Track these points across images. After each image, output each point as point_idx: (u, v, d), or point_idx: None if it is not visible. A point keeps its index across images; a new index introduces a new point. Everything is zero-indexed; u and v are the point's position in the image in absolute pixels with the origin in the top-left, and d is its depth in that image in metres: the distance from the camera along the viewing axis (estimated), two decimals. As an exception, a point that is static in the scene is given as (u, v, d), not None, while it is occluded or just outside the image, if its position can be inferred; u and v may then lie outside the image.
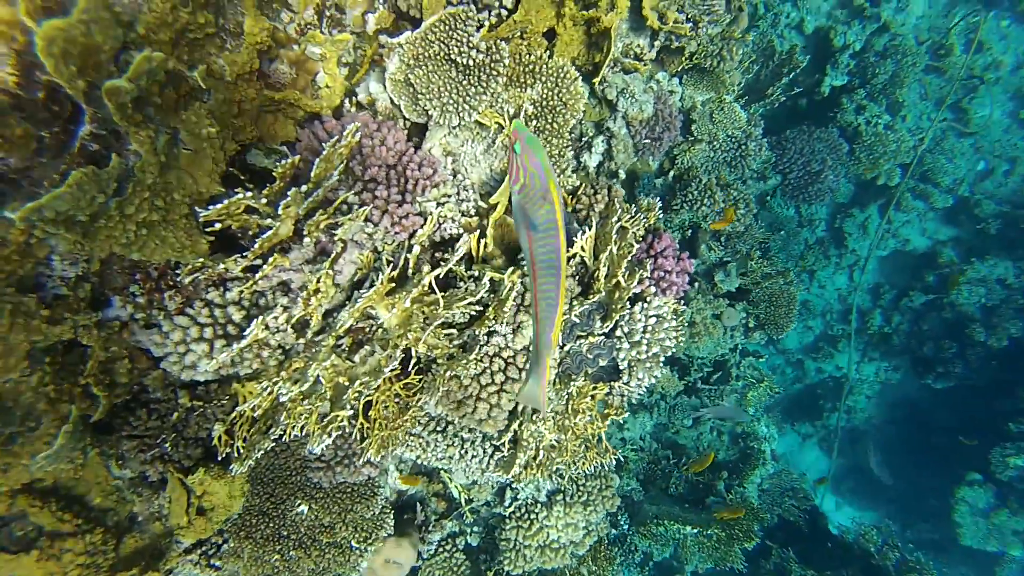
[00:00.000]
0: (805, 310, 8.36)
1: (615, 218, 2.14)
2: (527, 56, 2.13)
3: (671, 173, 4.21)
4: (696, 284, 4.41)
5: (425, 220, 1.92)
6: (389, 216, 1.82)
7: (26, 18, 1.25)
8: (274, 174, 1.62)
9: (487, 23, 2.08)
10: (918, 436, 8.05)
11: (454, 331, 2.05)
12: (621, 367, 2.25)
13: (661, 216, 4.06)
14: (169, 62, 1.44)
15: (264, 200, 1.56)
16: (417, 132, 2.27)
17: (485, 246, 2.15)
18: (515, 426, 2.22)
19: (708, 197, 3.98)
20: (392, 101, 2.14)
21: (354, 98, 2.30)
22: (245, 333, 1.57)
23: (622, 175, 3.44)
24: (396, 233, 1.85)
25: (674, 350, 2.26)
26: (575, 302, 2.13)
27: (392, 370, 1.89)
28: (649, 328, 2.18)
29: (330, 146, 1.55)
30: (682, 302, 2.40)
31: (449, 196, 2.05)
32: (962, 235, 7.56)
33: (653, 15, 2.48)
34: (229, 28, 1.71)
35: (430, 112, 2.00)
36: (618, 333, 2.22)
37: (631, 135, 3.47)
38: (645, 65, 2.63)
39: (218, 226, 1.62)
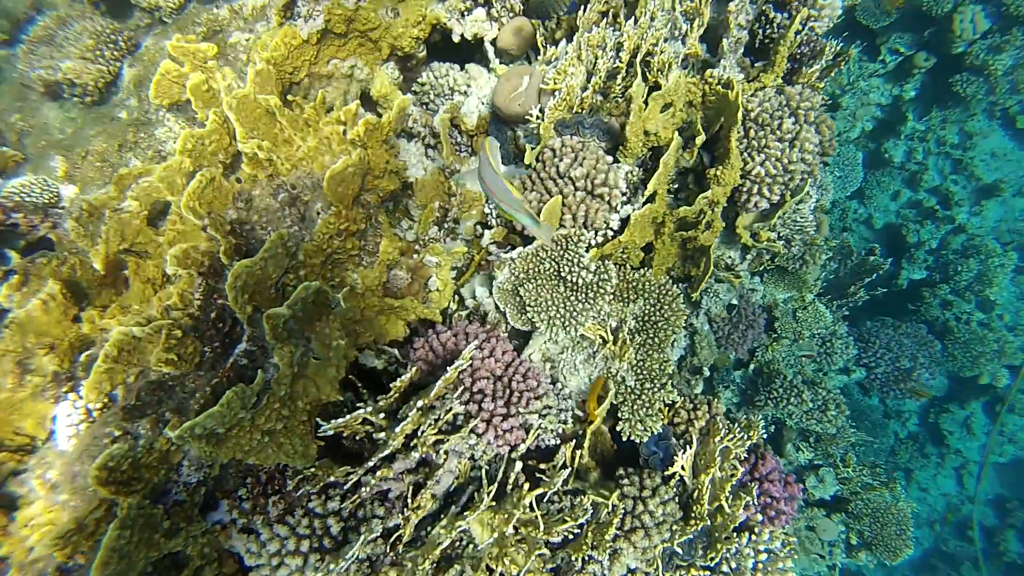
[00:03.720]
0: (870, 461, 7.36)
1: (718, 438, 2.04)
2: (630, 273, 2.25)
3: (751, 366, 4.11)
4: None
5: (527, 433, 1.90)
6: (494, 429, 1.81)
7: (224, 257, 1.46)
8: (391, 386, 1.69)
9: (593, 242, 2.25)
10: None
11: (547, 551, 1.90)
12: (729, 610, 1.98)
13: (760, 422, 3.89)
14: (321, 286, 1.60)
15: (382, 416, 1.61)
16: (516, 334, 2.37)
17: (580, 456, 2.08)
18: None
19: (795, 396, 3.80)
20: (497, 307, 2.26)
21: (457, 296, 2.46)
22: (346, 555, 1.51)
23: (706, 372, 3.37)
24: (498, 446, 1.83)
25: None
26: (675, 527, 1.96)
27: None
28: (761, 568, 1.95)
29: (454, 370, 1.61)
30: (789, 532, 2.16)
31: (551, 407, 2.04)
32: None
33: (746, 233, 2.61)
34: (368, 248, 1.92)
35: (537, 324, 2.08)
36: (724, 568, 1.99)
37: (713, 331, 3.48)
38: (738, 277, 2.71)
39: (331, 433, 1.66)
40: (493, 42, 2.66)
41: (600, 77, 2.30)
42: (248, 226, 1.72)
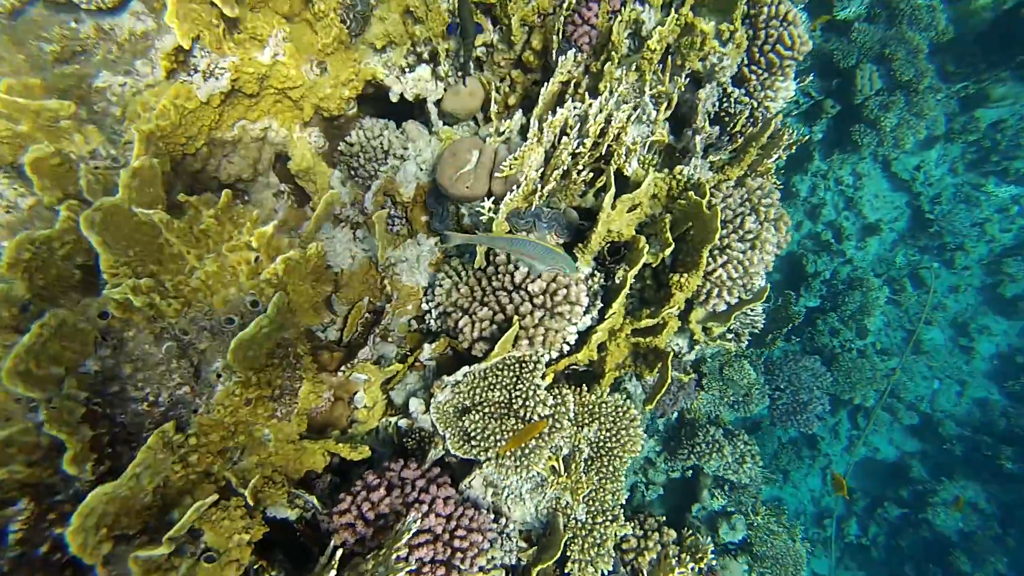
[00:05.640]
0: (777, 509, 8.15)
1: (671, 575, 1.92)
2: (586, 396, 2.03)
3: (674, 414, 4.14)
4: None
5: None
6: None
7: (71, 466, 1.04)
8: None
9: (544, 357, 2.00)
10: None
11: None
12: None
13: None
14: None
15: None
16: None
17: (525, 607, 1.87)
18: None
19: (716, 451, 3.87)
20: (435, 428, 1.96)
21: (387, 400, 2.13)
22: None
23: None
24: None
25: None
26: None
27: None
28: None
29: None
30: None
31: (496, 558, 1.80)
32: (928, 450, 7.70)
33: (698, 328, 2.49)
34: (284, 399, 1.53)
35: (482, 461, 1.81)
36: None
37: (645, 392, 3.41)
38: (688, 374, 2.60)
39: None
40: (437, 103, 2.28)
41: (561, 166, 2.02)
42: (116, 387, 1.28)
